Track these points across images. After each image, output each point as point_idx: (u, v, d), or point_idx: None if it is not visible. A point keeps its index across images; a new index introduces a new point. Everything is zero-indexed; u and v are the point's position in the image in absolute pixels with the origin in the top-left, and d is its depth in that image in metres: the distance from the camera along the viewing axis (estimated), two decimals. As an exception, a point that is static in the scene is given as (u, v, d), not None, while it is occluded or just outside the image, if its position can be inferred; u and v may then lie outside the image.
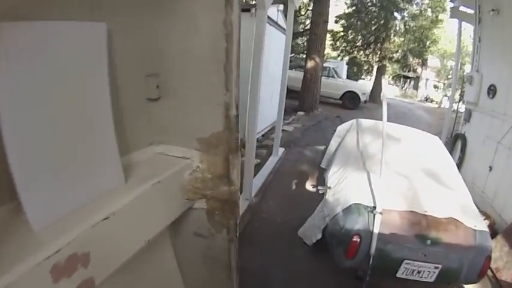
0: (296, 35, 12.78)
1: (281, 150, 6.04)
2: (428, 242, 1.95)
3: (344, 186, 2.40)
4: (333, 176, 2.67)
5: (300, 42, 14.57)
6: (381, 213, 2.00)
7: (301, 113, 10.02)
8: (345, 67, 14.41)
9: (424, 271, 1.95)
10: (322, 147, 4.44)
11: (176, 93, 0.90)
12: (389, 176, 2.30)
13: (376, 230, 1.96)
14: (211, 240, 1.09)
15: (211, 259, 1.15)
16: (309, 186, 4.33)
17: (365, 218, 2.05)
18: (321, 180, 2.97)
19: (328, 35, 12.25)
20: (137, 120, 0.90)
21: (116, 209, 0.70)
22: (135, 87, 0.87)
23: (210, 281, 1.20)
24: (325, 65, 11.58)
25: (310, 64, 10.14)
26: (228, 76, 0.79)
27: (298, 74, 11.08)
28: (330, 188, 2.55)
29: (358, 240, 2.00)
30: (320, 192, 2.64)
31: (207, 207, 1.01)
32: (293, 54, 11.86)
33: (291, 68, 10.63)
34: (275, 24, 6.17)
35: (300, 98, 10.54)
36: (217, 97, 0.81)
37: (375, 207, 2.04)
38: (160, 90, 0.91)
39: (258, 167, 5.04)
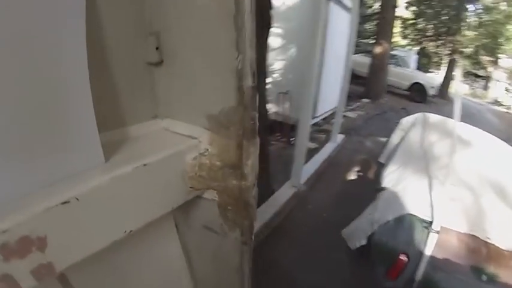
0: (363, 18, 12.09)
1: (340, 137, 5.66)
2: (484, 277, 1.62)
3: (400, 190, 2.07)
4: (390, 175, 2.35)
5: (367, 27, 13.68)
6: (437, 232, 1.65)
7: (366, 100, 9.52)
8: (414, 57, 13.39)
9: (470, 313, 1.63)
10: (383, 139, 4.06)
11: (180, 57, 0.70)
12: (453, 186, 1.94)
13: (428, 252, 1.64)
14: (222, 237, 0.92)
15: (221, 259, 0.99)
16: (364, 181, 3.94)
17: (418, 235, 1.73)
18: (378, 177, 2.66)
19: (398, 22, 11.41)
20: (137, 88, 0.74)
21: (79, 192, 0.56)
22: (132, 49, 0.70)
23: (219, 282, 1.05)
24: (393, 52, 10.85)
25: (378, 49, 9.54)
26: (240, 33, 0.56)
27: (365, 59, 10.51)
28: (384, 188, 2.22)
29: (406, 260, 1.69)
30: (375, 190, 2.34)
31: (219, 199, 0.83)
32: (359, 39, 11.52)
33: (358, 53, 10.05)
34: (339, 2, 5.67)
35: (366, 85, 10.10)
36: (226, 62, 0.59)
37: (431, 223, 1.70)
38: (162, 53, 0.72)
39: (313, 152, 4.81)
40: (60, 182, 0.58)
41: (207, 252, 1.01)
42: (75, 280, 0.72)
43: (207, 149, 0.75)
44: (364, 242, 2.07)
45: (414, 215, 1.79)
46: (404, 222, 1.80)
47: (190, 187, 0.78)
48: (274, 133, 6.25)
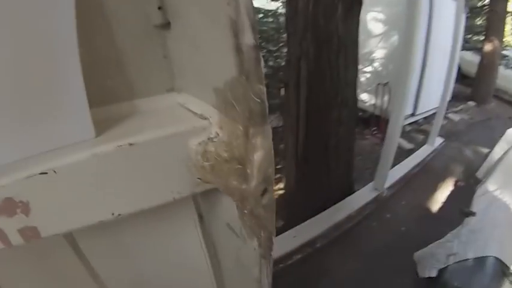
0: (473, 11, 10.36)
1: (439, 140, 4.86)
2: None
3: (490, 221, 1.62)
4: (484, 197, 1.88)
5: (478, 22, 11.55)
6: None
7: (472, 103, 8.29)
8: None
9: None
10: (485, 150, 3.34)
11: (183, 16, 0.57)
12: None
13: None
14: (243, 243, 0.78)
15: (243, 265, 0.85)
16: (456, 197, 3.24)
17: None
18: (471, 195, 2.12)
19: (510, 18, 9.52)
20: (147, 55, 0.64)
21: (57, 165, 0.53)
22: (135, 9, 0.60)
23: (242, 286, 0.93)
24: (504, 53, 9.02)
25: (487, 47, 8.17)
26: None
27: (474, 58, 9.07)
28: (473, 213, 1.75)
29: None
30: (463, 213, 1.86)
31: (236, 199, 0.69)
32: (469, 34, 9.98)
33: (467, 49, 8.89)
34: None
35: (473, 86, 8.81)
36: (219, 10, 0.43)
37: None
38: (167, 13, 0.59)
39: (407, 154, 4.28)
40: (46, 152, 0.55)
41: (230, 252, 0.89)
42: (85, 246, 0.74)
43: (218, 134, 0.61)
44: (434, 274, 1.69)
45: (499, 260, 1.32)
46: (485, 266, 1.36)
47: (199, 178, 0.66)
48: (370, 127, 5.75)
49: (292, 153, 3.34)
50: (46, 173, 0.52)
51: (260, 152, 0.52)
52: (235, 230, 0.80)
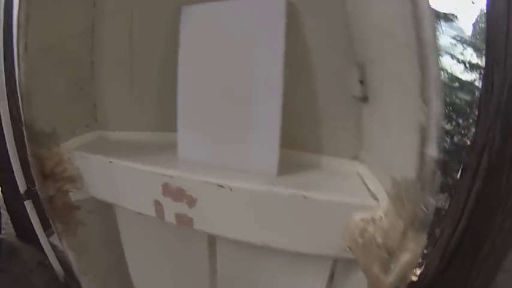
0: None
1: None
2: None
3: None
4: None
5: None
6: None
7: None
8: None
9: None
10: None
11: (380, 97, 0.57)
12: None
13: None
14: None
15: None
16: None
17: None
18: None
19: None
20: (341, 119, 0.69)
21: (237, 185, 0.67)
22: (334, 79, 0.68)
23: None
24: None
25: None
26: (424, 74, 0.36)
27: None
28: None
29: None
30: None
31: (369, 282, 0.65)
32: None
33: None
34: None
35: None
36: (410, 112, 0.41)
37: None
38: (367, 88, 0.61)
39: None
40: (231, 168, 0.73)
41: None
42: (221, 255, 0.87)
43: (381, 219, 0.58)
44: None
45: None
46: None
47: (348, 247, 0.65)
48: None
49: (442, 244, 2.70)
50: (222, 187, 0.67)
51: (409, 255, 0.47)
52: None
